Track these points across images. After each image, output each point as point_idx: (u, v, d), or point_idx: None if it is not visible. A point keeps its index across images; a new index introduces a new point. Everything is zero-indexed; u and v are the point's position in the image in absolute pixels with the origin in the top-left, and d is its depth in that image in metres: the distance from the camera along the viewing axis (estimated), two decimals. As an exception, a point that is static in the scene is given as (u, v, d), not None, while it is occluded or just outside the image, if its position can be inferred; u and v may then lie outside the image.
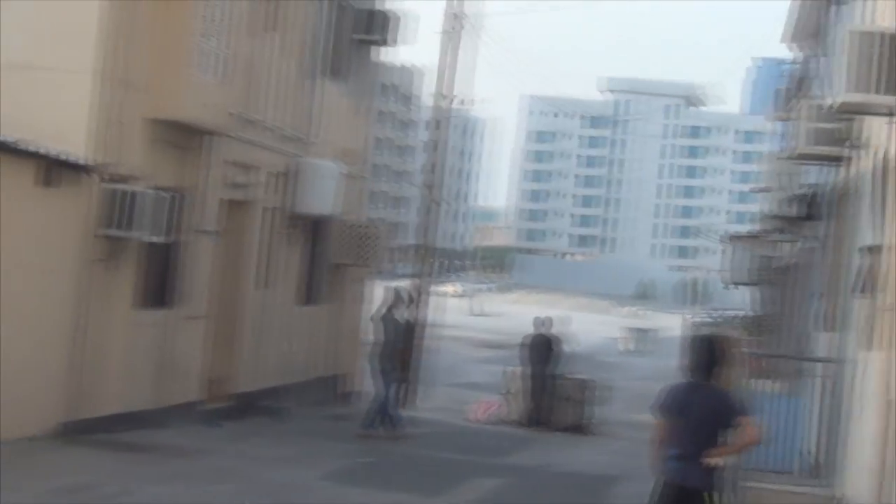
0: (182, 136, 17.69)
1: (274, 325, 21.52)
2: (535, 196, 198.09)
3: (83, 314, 15.79)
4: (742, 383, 20.47)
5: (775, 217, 19.79)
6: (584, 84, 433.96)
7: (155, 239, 16.65)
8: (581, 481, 18.07)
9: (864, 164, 12.63)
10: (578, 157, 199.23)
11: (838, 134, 13.38)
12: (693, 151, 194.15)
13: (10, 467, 12.82)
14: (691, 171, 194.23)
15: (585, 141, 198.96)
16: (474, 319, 72.15)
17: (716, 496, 9.68)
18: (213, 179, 18.79)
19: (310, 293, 23.36)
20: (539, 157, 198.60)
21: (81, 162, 15.41)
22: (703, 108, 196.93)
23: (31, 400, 14.91)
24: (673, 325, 56.24)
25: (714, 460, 9.55)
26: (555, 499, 16.28)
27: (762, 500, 11.91)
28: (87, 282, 15.82)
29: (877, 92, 10.21)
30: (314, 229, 23.02)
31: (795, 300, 18.66)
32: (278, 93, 20.93)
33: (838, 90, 10.66)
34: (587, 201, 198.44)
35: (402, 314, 22.08)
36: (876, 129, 11.95)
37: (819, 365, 14.44)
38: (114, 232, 15.91)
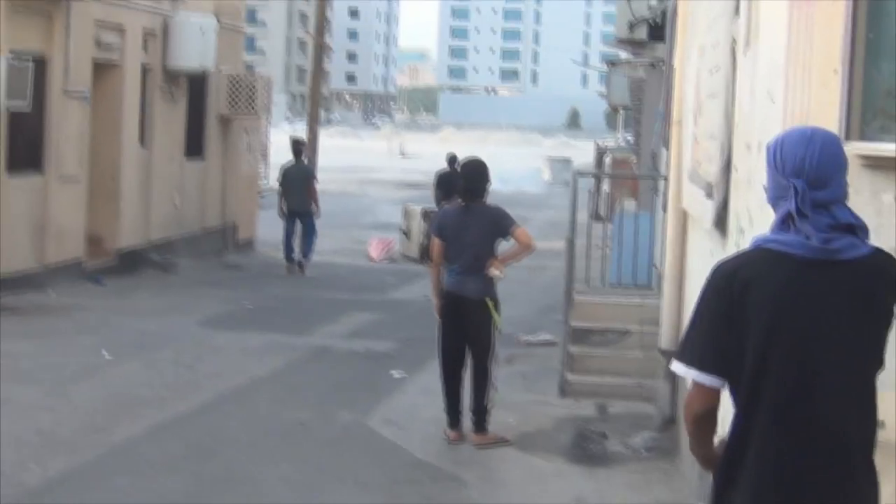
0: (44, 1, 17.91)
1: (158, 180, 21.87)
2: (457, 33, 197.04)
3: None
4: (618, 203, 21.20)
5: (625, 41, 20.21)
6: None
7: (18, 104, 16.93)
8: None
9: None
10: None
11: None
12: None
13: None
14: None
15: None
16: (397, 161, 72.44)
17: (492, 303, 10.62)
18: (80, 42, 18.97)
19: (196, 147, 23.66)
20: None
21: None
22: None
23: None
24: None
25: (493, 271, 10.50)
26: (419, 327, 16.77)
27: (587, 314, 12.52)
28: (-50, 152, 16.11)
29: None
30: (194, 85, 23.24)
31: (647, 121, 19.22)
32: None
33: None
34: (510, 36, 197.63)
35: (303, 161, 23.47)
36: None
37: (662, 182, 14.98)
38: (-28, 101, 16.18)
